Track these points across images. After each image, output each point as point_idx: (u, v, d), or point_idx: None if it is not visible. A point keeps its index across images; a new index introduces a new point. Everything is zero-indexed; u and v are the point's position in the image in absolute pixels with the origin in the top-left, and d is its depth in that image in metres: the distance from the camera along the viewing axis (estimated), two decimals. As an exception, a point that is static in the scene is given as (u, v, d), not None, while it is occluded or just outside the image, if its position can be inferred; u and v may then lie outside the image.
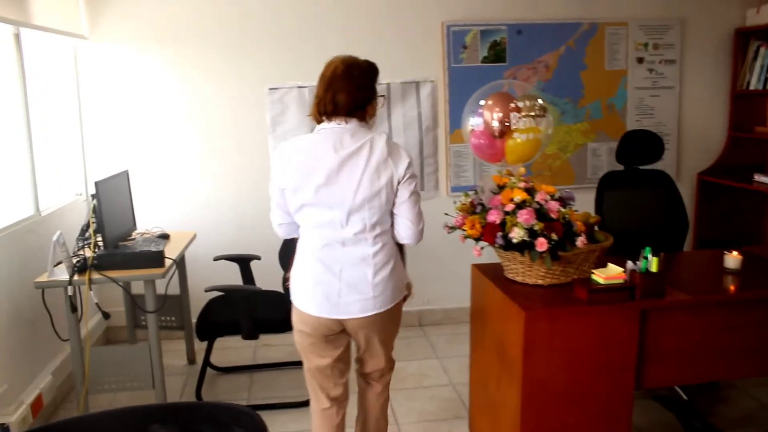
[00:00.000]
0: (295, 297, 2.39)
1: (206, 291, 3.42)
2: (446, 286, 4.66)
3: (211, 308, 3.65)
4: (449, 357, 4.05)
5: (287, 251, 3.36)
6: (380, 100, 2.37)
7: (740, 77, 4.78)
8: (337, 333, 2.43)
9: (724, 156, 4.86)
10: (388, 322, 2.45)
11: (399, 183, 2.33)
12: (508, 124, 2.83)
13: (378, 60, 4.31)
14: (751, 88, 4.67)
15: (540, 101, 2.89)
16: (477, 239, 2.76)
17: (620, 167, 3.95)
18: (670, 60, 4.75)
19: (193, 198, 4.39)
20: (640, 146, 3.81)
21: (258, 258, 3.91)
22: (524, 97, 2.89)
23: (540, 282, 2.79)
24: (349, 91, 2.26)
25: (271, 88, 4.30)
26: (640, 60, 4.71)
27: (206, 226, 4.38)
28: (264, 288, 3.69)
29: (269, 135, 4.34)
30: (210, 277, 4.12)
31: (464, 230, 2.80)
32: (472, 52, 4.46)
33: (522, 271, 2.82)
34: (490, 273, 3.01)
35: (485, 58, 4.47)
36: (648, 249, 2.62)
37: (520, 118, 2.82)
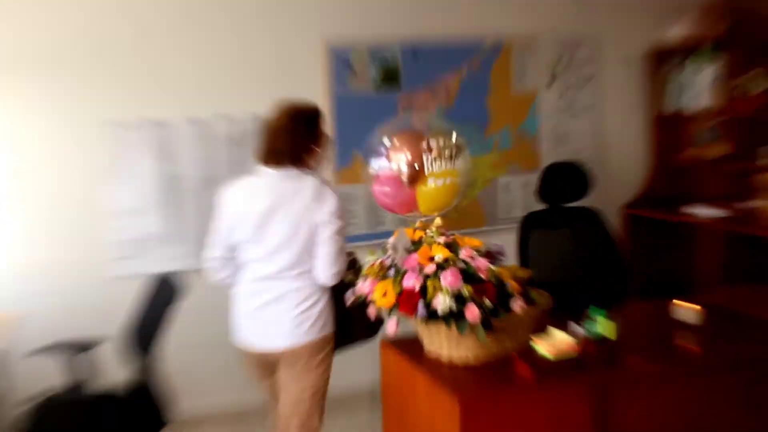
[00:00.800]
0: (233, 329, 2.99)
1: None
2: (346, 366, 4.40)
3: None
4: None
5: None
6: (325, 145, 2.96)
7: (660, 98, 4.89)
8: (269, 363, 2.98)
9: (649, 185, 4.93)
10: (305, 360, 2.91)
11: (319, 226, 2.84)
12: (419, 167, 2.65)
13: (248, 86, 4.11)
14: (674, 109, 4.78)
15: (455, 137, 2.74)
16: (391, 310, 2.52)
17: (538, 203, 3.87)
18: (587, 78, 4.79)
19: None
20: (565, 181, 3.74)
21: (97, 345, 3.47)
22: (437, 133, 2.72)
23: (470, 359, 2.59)
24: (288, 142, 2.85)
25: (112, 123, 3.94)
26: (552, 80, 4.72)
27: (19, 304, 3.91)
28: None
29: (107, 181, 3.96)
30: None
31: (374, 299, 2.56)
32: (361, 75, 4.29)
33: (447, 346, 2.60)
34: (406, 350, 2.77)
35: (376, 81, 4.32)
36: (597, 310, 2.48)
37: (433, 159, 2.65)
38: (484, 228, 4.63)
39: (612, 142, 4.92)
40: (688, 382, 2.55)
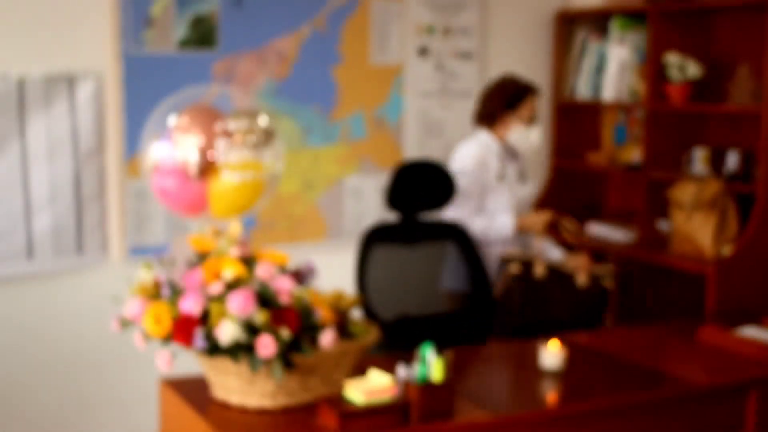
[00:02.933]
0: None
1: None
2: (120, 413, 4.63)
3: None
4: None
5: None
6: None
7: (563, 81, 5.37)
8: None
9: (545, 195, 5.39)
10: None
11: None
12: (212, 156, 2.94)
13: (7, 40, 4.28)
14: (579, 97, 5.27)
15: (262, 120, 3.04)
16: (165, 340, 2.80)
17: (392, 215, 4.23)
18: (466, 52, 5.21)
19: None
20: (420, 186, 4.10)
21: None
22: (239, 114, 3.02)
23: (267, 404, 2.89)
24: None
25: None
26: (423, 51, 5.12)
27: None
28: None
29: None
30: None
31: (144, 326, 2.84)
32: (163, 30, 4.55)
33: (238, 387, 2.90)
34: (189, 392, 3.06)
35: (184, 40, 4.59)
36: (427, 346, 2.84)
37: (231, 147, 2.94)
38: (324, 242, 4.96)
39: (500, 137, 5.35)
40: (533, 437, 2.96)
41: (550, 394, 3.21)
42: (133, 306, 2.90)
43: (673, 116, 4.84)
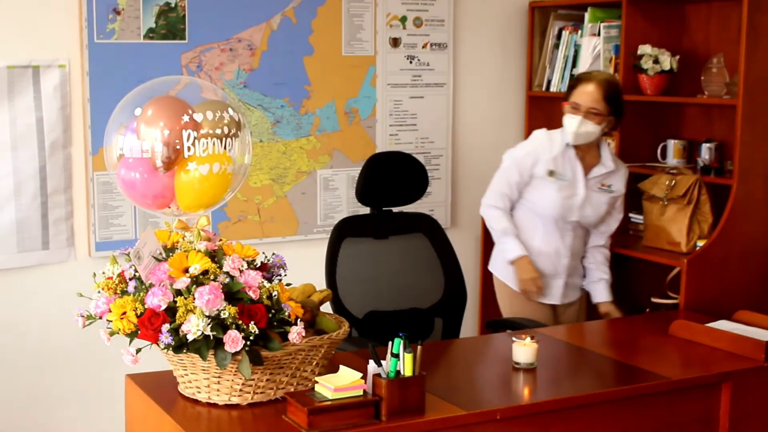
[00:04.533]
0: None
1: None
2: (87, 409, 4.62)
3: None
4: None
5: None
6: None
7: (537, 73, 5.37)
8: None
9: (518, 189, 5.40)
10: None
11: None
12: (178, 148, 2.93)
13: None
14: (552, 89, 5.27)
15: (231, 112, 3.03)
16: (131, 336, 2.79)
17: (364, 209, 4.23)
18: (439, 44, 5.21)
19: None
20: (391, 179, 4.11)
21: None
22: (205, 105, 3.01)
23: (236, 400, 2.90)
24: None
25: None
26: (396, 42, 5.11)
27: None
28: None
29: None
30: None
31: (109, 321, 2.83)
32: (129, 20, 4.52)
33: (206, 384, 2.90)
34: (154, 388, 3.05)
35: (151, 31, 4.57)
36: (398, 340, 2.84)
37: (197, 138, 2.93)
38: (296, 237, 4.95)
39: (473, 129, 5.36)
40: (504, 430, 2.96)
41: (522, 389, 3.22)
42: (98, 301, 2.89)
43: (647, 108, 4.84)
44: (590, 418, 3.11)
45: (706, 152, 4.66)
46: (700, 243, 4.35)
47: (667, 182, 4.44)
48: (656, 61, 4.66)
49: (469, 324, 5.12)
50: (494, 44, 5.36)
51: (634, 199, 4.70)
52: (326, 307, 3.78)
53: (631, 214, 4.83)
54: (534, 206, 4.30)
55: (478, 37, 5.32)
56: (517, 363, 3.31)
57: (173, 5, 4.59)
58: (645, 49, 4.69)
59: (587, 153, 4.32)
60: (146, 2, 4.54)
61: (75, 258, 4.54)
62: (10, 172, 4.36)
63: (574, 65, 5.15)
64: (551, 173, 4.25)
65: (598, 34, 5.00)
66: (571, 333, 3.86)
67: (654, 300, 4.46)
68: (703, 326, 3.71)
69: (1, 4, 4.34)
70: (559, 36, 5.25)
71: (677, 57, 4.70)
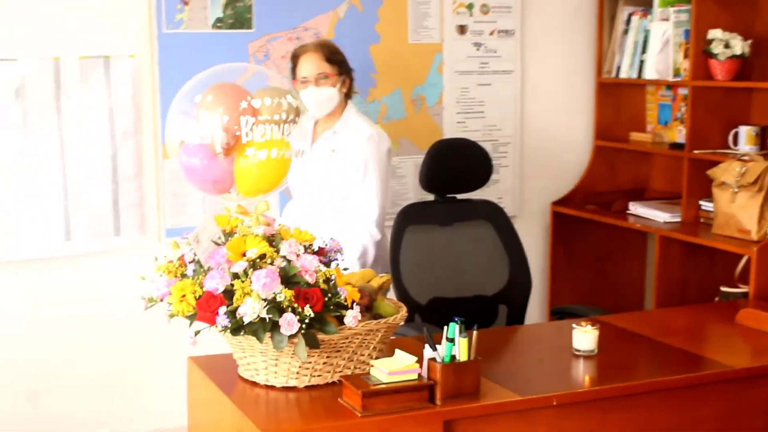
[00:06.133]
0: None
1: None
2: (158, 394, 4.69)
3: None
4: None
5: None
6: None
7: (607, 59, 5.31)
8: None
9: (588, 176, 5.36)
10: None
11: None
12: (237, 134, 2.96)
13: (44, 21, 4.34)
14: (622, 76, 5.21)
15: (290, 98, 3.05)
16: (190, 318, 2.83)
17: (429, 196, 4.23)
18: (506, 30, 5.18)
19: None
20: (455, 166, 4.11)
21: None
22: (263, 92, 3.03)
23: (293, 382, 2.92)
24: None
25: None
26: (462, 29, 5.10)
27: None
28: None
29: None
30: None
31: (170, 304, 2.87)
32: (197, 11, 4.58)
33: (264, 366, 2.93)
34: (215, 370, 3.09)
35: (219, 20, 4.62)
36: (453, 325, 2.84)
37: (255, 124, 2.96)
38: (364, 223, 4.98)
39: (542, 116, 5.33)
40: (560, 417, 2.94)
41: (580, 375, 3.20)
42: (159, 285, 2.94)
43: (717, 94, 4.76)
44: (649, 407, 3.07)
45: (778, 138, 4.58)
46: (772, 231, 4.27)
47: (737, 169, 4.36)
48: (727, 46, 4.58)
49: (536, 312, 5.11)
50: (562, 30, 5.32)
51: (704, 186, 4.62)
52: (389, 294, 3.83)
53: (701, 202, 4.74)
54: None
55: (546, 23, 5.28)
56: (578, 350, 3.29)
57: (240, -5, 4.65)
58: (715, 33, 4.61)
59: (326, 123, 4.18)
60: (214, -5, 4.61)
61: (145, 243, 4.62)
62: (83, 160, 4.45)
63: (644, 51, 5.07)
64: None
65: (668, 19, 4.92)
66: (634, 321, 3.81)
67: (723, 289, 4.38)
68: (771, 315, 3.65)
69: (78, 4, 4.43)
70: (628, 21, 5.19)
71: (749, 41, 4.61)
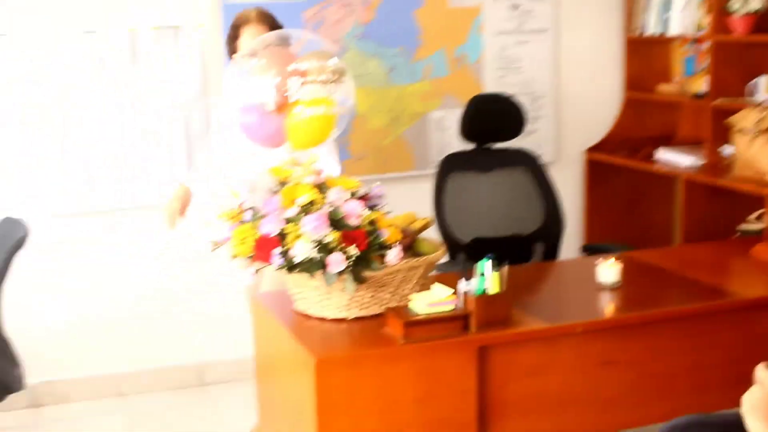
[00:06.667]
0: None
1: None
2: (233, 328, 4.79)
3: None
4: (245, 428, 4.20)
5: None
6: None
7: (635, 17, 5.27)
8: None
9: (618, 125, 5.35)
10: None
11: None
12: (286, 93, 3.02)
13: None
14: (648, 33, 5.17)
15: (335, 60, 3.11)
16: (250, 259, 2.92)
17: (469, 146, 4.27)
18: (540, -8, 5.18)
19: None
20: (491, 117, 4.14)
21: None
22: (311, 55, 3.09)
23: (343, 314, 3.00)
24: None
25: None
26: (500, -8, 5.10)
27: None
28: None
29: None
30: None
31: (233, 246, 2.96)
32: (258, -19, 4.63)
33: (317, 300, 3.02)
34: (276, 305, 3.19)
35: (277, -11, 4.67)
36: (484, 261, 2.89)
37: (303, 84, 3.02)
38: (412, 172, 5.01)
39: (575, 71, 5.31)
40: (585, 344, 2.99)
41: (603, 305, 3.23)
42: (223, 230, 3.03)
43: (737, 47, 4.71)
44: (668, 334, 3.12)
45: (794, 88, 4.52)
46: (787, 173, 4.24)
47: (755, 116, 4.33)
48: (745, 2, 4.52)
49: (571, 249, 5.12)
50: (594, -9, 5.29)
51: (726, 133, 4.58)
52: (433, 235, 3.88)
53: (723, 147, 4.71)
54: None
55: (578, -16, 5.26)
56: (602, 282, 3.32)
57: (295, -34, 4.68)
58: (734, -9, 4.57)
59: None
60: (271, -36, 4.64)
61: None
62: (155, 126, 4.54)
63: (668, 9, 5.02)
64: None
65: (690, -22, 4.88)
66: (658, 256, 3.82)
67: (741, 227, 4.37)
68: (784, 249, 3.65)
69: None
70: (654, -19, 5.14)
71: (766, -3, 4.56)
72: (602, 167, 5.28)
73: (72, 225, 4.56)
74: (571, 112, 5.35)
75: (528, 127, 5.09)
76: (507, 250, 4.10)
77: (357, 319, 3.00)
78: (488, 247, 4.09)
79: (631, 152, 5.20)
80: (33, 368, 4.00)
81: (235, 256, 2.97)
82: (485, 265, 2.90)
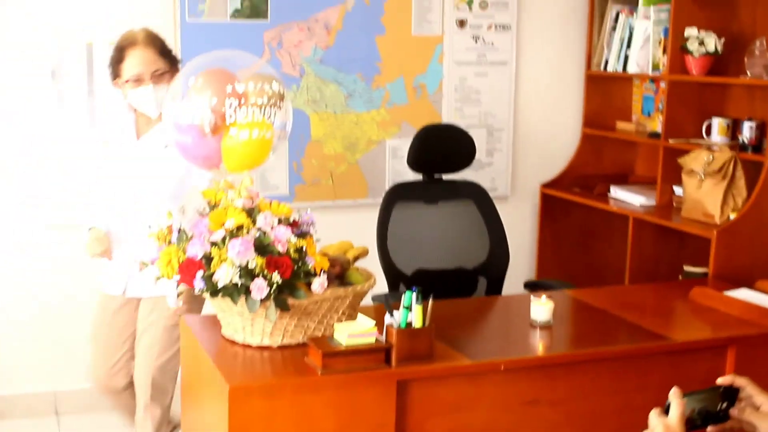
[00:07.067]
0: None
1: None
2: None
3: None
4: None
5: None
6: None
7: (596, 53, 5.28)
8: None
9: (575, 161, 5.35)
10: None
11: None
12: (222, 115, 2.99)
13: (74, 8, 4.40)
14: (609, 69, 5.18)
15: (275, 84, 3.08)
16: (175, 281, 2.88)
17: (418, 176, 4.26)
18: (503, 25, 5.16)
19: None
20: (440, 148, 4.13)
21: None
22: (251, 78, 3.06)
23: (267, 342, 2.96)
24: None
25: None
26: (462, 23, 5.09)
27: None
28: None
29: None
30: None
31: (158, 267, 2.92)
32: (217, 1, 4.61)
33: (242, 326, 2.98)
34: (205, 329, 3.15)
35: (237, 11, 4.65)
36: (409, 293, 2.86)
37: (238, 107, 2.99)
38: (366, 200, 5.00)
39: (534, 105, 5.31)
40: (509, 382, 2.96)
41: (530, 344, 3.21)
42: (151, 251, 2.99)
43: (692, 87, 4.72)
44: (593, 374, 3.08)
45: (747, 130, 4.51)
46: (734, 216, 4.23)
47: (705, 158, 4.33)
48: (702, 43, 4.53)
49: (520, 284, 5.11)
50: (556, 26, 5.29)
51: (678, 173, 4.57)
52: (374, 264, 3.86)
53: (675, 187, 4.71)
54: None
55: (541, 19, 5.26)
56: (534, 320, 3.30)
57: (256, -13, 4.68)
58: (691, 31, 4.56)
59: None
60: (232, -15, 4.64)
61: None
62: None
63: (628, 46, 5.03)
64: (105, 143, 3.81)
65: (650, 18, 4.88)
66: (598, 295, 3.79)
67: (686, 268, 4.36)
68: (721, 293, 3.63)
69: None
70: (616, 19, 5.14)
71: (722, 39, 4.55)
72: (557, 203, 5.28)
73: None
74: (529, 146, 5.35)
75: (484, 160, 5.14)
76: (450, 283, 4.13)
77: (282, 347, 2.97)
78: (431, 279, 4.12)
79: (585, 189, 5.20)
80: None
81: (159, 278, 2.93)
82: (410, 297, 2.87)
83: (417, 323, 2.87)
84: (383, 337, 2.86)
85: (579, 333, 3.31)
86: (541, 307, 3.29)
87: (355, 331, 2.84)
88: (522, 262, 5.27)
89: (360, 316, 2.93)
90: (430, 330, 2.89)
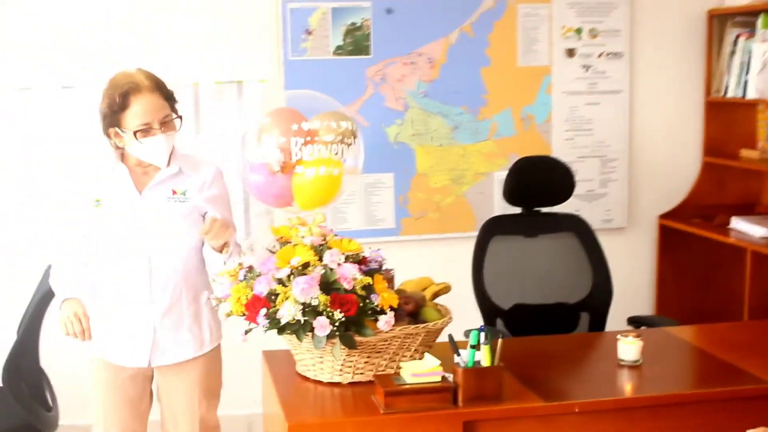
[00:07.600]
0: None
1: None
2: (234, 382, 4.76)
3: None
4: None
5: None
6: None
7: (715, 79, 5.05)
8: None
9: (695, 191, 5.11)
10: None
11: None
12: (290, 153, 3.01)
13: (181, 49, 4.51)
14: (729, 95, 4.93)
15: (345, 123, 3.07)
16: (244, 317, 2.89)
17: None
18: (615, 53, 5.00)
19: None
20: (536, 180, 4.01)
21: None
22: (320, 116, 3.06)
23: (336, 379, 2.94)
24: None
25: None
26: (571, 52, 4.96)
27: None
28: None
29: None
30: None
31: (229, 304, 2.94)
32: (320, 39, 4.65)
33: (312, 363, 2.96)
34: (282, 365, 3.15)
35: (339, 48, 4.67)
36: (475, 332, 2.77)
37: (304, 145, 2.99)
38: (474, 232, 4.85)
39: (650, 134, 5.12)
40: (583, 423, 2.82)
41: (612, 384, 3.05)
42: (223, 288, 3.01)
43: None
44: (679, 417, 2.91)
45: None
46: None
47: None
48: (823, 66, 4.27)
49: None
50: (671, 52, 5.09)
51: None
52: (465, 300, 3.77)
53: None
54: None
55: (655, 46, 5.07)
56: (622, 360, 3.15)
57: (359, 25, 4.68)
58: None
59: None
60: (335, 22, 4.66)
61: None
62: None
63: (748, 71, 4.79)
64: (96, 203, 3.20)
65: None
66: (696, 333, 3.60)
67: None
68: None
69: (211, 29, 4.59)
70: (735, 43, 4.91)
71: None
72: (676, 234, 5.06)
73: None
74: (646, 175, 5.15)
75: (598, 191, 4.98)
76: (550, 319, 4.00)
77: (353, 383, 2.94)
78: (529, 314, 3.99)
79: (706, 220, 4.97)
80: None
81: (229, 315, 2.94)
82: (476, 337, 2.78)
83: (485, 362, 2.78)
84: (452, 377, 2.79)
85: (668, 373, 3.13)
86: (628, 346, 3.15)
87: (420, 370, 2.78)
88: (639, 295, 5.08)
89: (427, 355, 2.87)
90: (498, 370, 2.80)
